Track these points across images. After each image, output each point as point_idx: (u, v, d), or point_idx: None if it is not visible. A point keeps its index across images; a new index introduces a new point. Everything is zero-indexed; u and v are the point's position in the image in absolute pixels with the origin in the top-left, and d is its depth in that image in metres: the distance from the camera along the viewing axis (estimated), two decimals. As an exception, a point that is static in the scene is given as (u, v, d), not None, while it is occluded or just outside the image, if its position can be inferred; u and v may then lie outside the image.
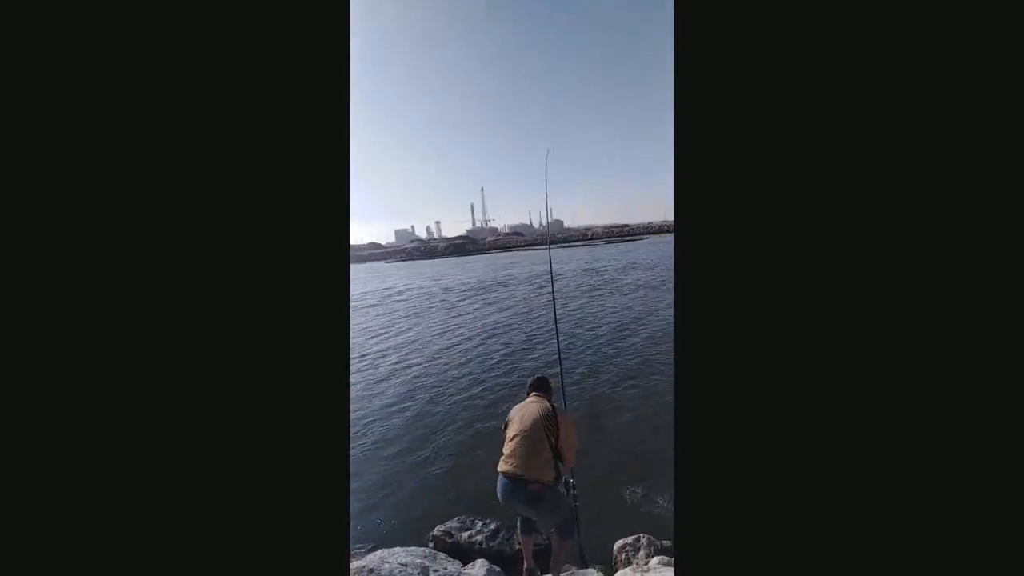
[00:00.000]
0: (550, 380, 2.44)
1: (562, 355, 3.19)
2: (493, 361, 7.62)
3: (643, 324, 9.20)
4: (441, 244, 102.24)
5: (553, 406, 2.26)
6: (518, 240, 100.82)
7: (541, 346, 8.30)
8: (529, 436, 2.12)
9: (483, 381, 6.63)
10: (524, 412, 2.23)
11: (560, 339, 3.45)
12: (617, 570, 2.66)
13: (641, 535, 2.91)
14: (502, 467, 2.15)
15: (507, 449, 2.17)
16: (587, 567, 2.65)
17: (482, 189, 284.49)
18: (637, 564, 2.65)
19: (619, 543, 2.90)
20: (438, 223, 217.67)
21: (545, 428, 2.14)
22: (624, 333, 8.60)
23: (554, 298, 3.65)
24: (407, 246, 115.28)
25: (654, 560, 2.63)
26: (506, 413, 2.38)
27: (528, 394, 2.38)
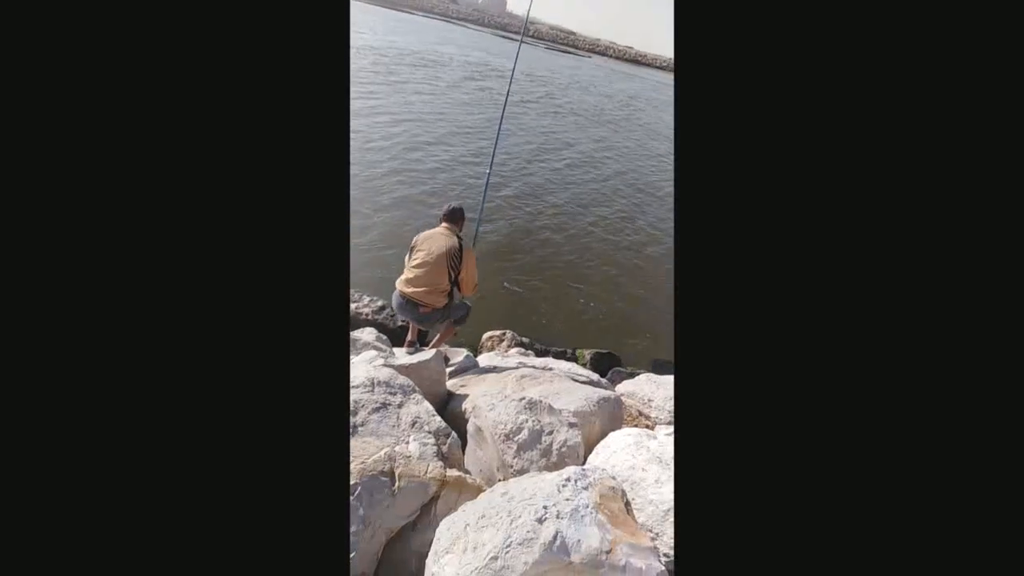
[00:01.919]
0: (464, 211, 2.46)
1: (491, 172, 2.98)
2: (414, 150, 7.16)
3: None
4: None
5: (461, 241, 2.36)
6: (450, 8, 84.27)
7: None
8: (432, 268, 2.26)
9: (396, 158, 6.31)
10: (432, 244, 2.30)
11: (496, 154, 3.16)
12: (481, 353, 3.25)
13: (507, 331, 3.51)
14: (401, 286, 2.32)
15: (408, 273, 2.31)
16: (457, 347, 3.18)
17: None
18: (499, 351, 3.26)
19: (488, 333, 3.48)
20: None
21: (448, 263, 2.27)
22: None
23: (507, 99, 3.14)
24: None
25: (513, 350, 3.25)
26: (414, 234, 2.43)
27: (440, 222, 2.41)
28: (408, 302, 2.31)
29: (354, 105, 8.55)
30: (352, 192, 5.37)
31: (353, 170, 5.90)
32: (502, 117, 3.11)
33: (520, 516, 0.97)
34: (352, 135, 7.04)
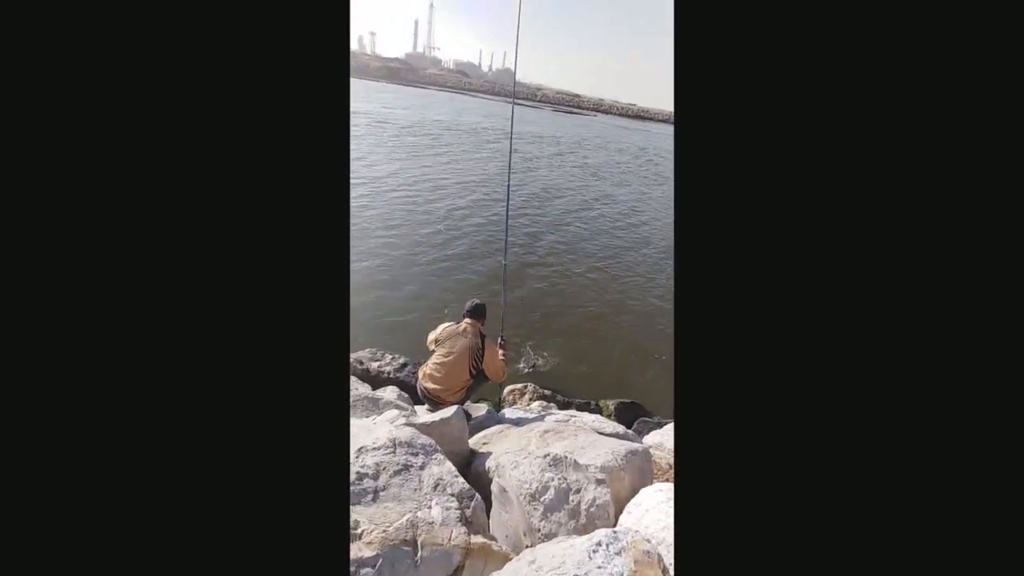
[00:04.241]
0: (486, 307, 2.60)
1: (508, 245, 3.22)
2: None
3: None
4: (374, 63, 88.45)
5: (483, 337, 2.48)
6: (462, 80, 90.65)
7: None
8: (452, 366, 2.39)
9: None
10: (454, 342, 2.43)
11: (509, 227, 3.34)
12: (503, 407, 3.18)
13: (528, 384, 3.44)
14: (423, 381, 2.45)
15: (430, 367, 2.43)
16: (478, 402, 3.13)
17: (431, 5, 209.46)
18: (520, 404, 3.19)
19: (509, 388, 3.41)
20: (373, 35, 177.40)
21: (471, 361, 2.41)
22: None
23: (510, 169, 3.29)
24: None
25: (535, 404, 3.17)
26: (439, 323, 2.56)
27: (464, 317, 2.54)
28: (428, 398, 2.45)
29: (405, 175, 9.61)
30: (393, 252, 5.62)
31: (399, 231, 6.33)
32: (509, 168, 3.34)
33: (550, 587, 0.91)
34: (398, 199, 7.85)
